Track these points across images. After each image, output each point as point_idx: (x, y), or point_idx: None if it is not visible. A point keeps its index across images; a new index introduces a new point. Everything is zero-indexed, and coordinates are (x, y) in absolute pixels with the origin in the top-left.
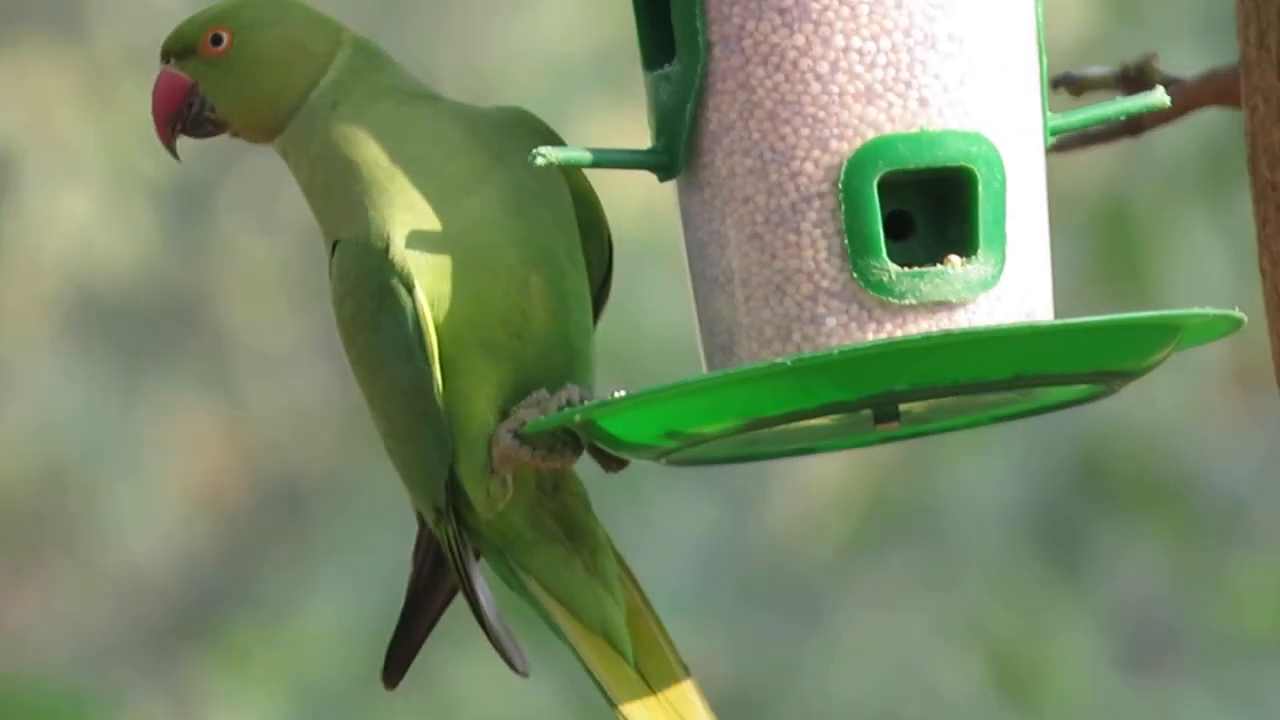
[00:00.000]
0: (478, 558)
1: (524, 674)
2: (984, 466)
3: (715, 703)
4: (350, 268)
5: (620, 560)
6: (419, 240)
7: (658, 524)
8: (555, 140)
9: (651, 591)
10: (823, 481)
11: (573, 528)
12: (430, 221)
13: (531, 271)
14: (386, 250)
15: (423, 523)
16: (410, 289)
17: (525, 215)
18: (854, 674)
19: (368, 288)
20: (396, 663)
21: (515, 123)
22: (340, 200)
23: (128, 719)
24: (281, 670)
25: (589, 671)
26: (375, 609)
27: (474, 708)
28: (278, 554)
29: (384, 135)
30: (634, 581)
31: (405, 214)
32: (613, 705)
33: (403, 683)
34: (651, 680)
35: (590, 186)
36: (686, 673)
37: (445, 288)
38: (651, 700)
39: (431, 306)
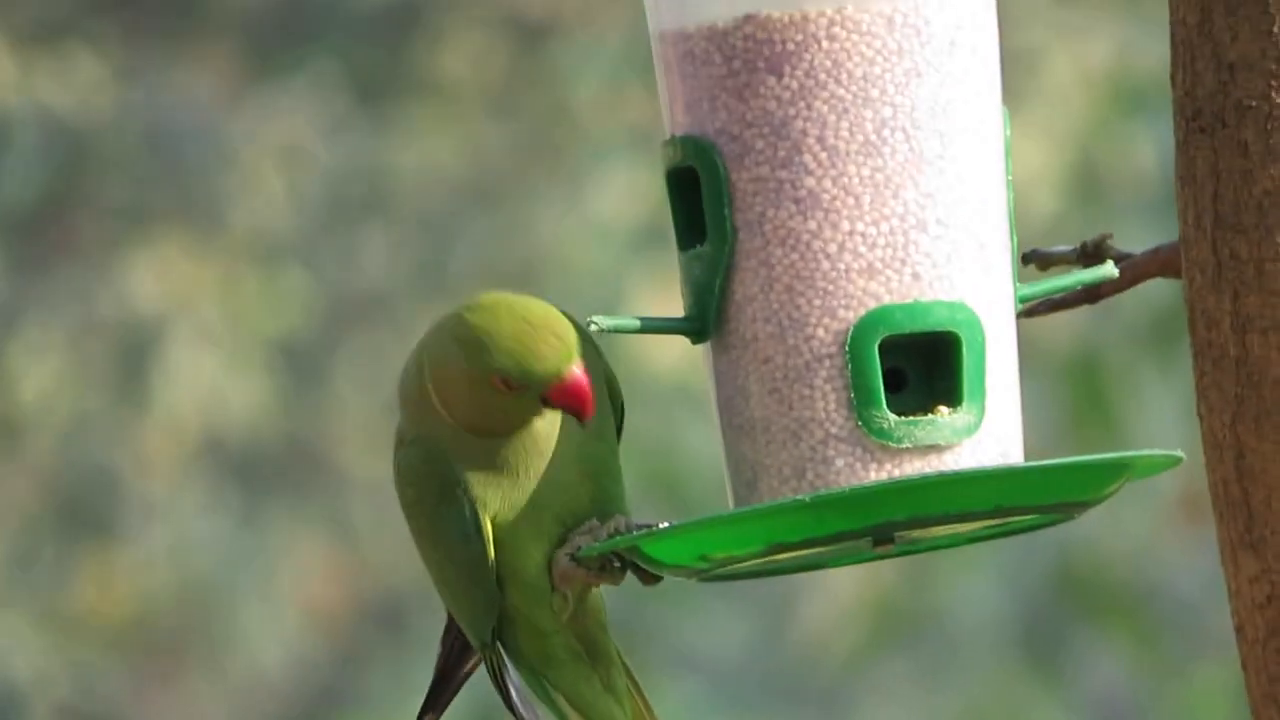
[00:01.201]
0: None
1: None
2: (976, 581)
3: None
4: (416, 464)
5: (629, 673)
6: (485, 466)
7: (700, 632)
8: (589, 335)
9: (689, 692)
10: (838, 595)
11: (593, 648)
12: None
13: (585, 479)
14: (455, 467)
15: (448, 628)
16: (471, 497)
17: (582, 442)
18: None
19: (428, 484)
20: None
21: (582, 335)
22: (419, 416)
23: None
24: None
25: None
26: (463, 706)
27: None
28: (381, 660)
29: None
30: (640, 692)
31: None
32: None
33: None
34: None
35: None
36: None
37: (506, 494)
38: None
39: (489, 506)
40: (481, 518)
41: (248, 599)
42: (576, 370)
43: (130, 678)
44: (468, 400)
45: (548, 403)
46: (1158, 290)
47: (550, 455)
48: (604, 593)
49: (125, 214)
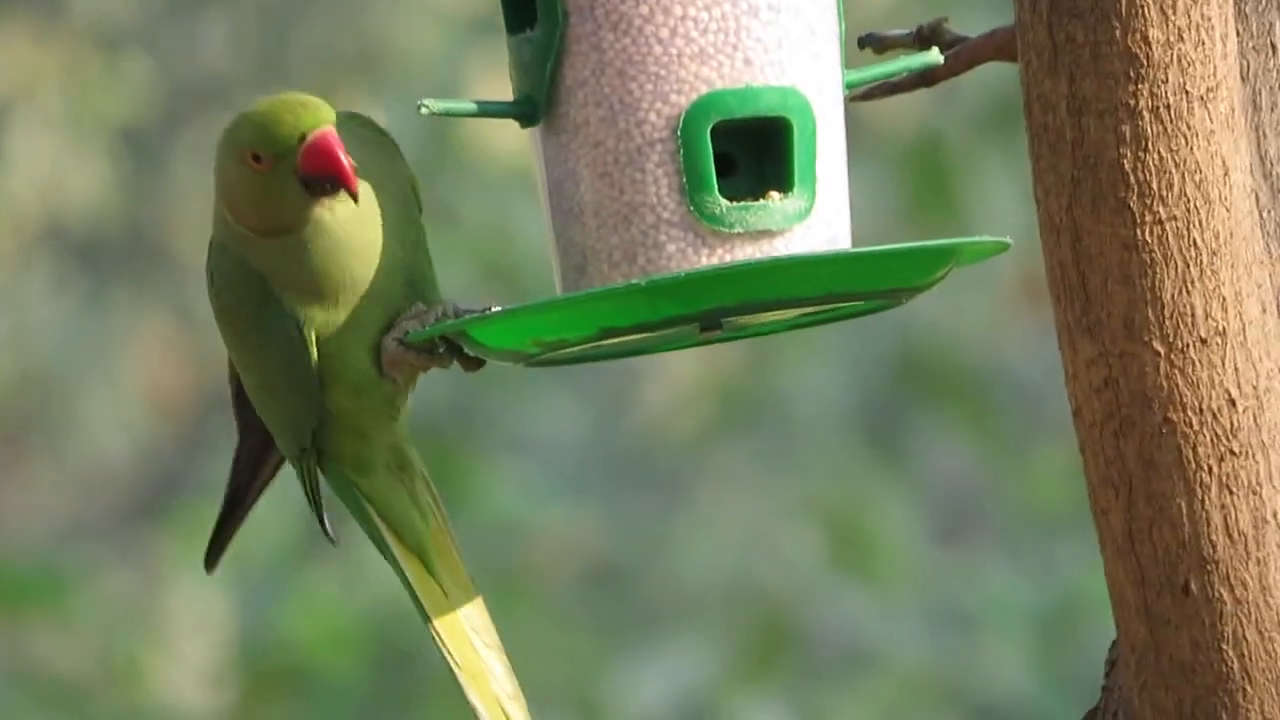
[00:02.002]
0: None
1: (334, 542)
2: (817, 365)
3: (590, 572)
4: (231, 269)
5: (430, 488)
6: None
7: (541, 417)
8: (386, 138)
9: (533, 479)
10: (678, 379)
11: (402, 461)
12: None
13: (405, 288)
14: (271, 270)
15: (241, 442)
16: (291, 299)
17: (401, 237)
18: (710, 545)
19: (247, 288)
20: (216, 552)
21: (370, 134)
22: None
23: (99, 589)
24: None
25: (404, 581)
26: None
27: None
28: (224, 446)
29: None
30: (440, 507)
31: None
32: (420, 608)
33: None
34: (448, 588)
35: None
36: (472, 582)
37: (325, 303)
38: (448, 605)
39: (310, 315)
40: (303, 320)
41: (90, 386)
42: (320, 132)
43: None
44: (239, 193)
45: (306, 181)
46: (996, 74)
47: (364, 262)
48: (437, 381)
49: None
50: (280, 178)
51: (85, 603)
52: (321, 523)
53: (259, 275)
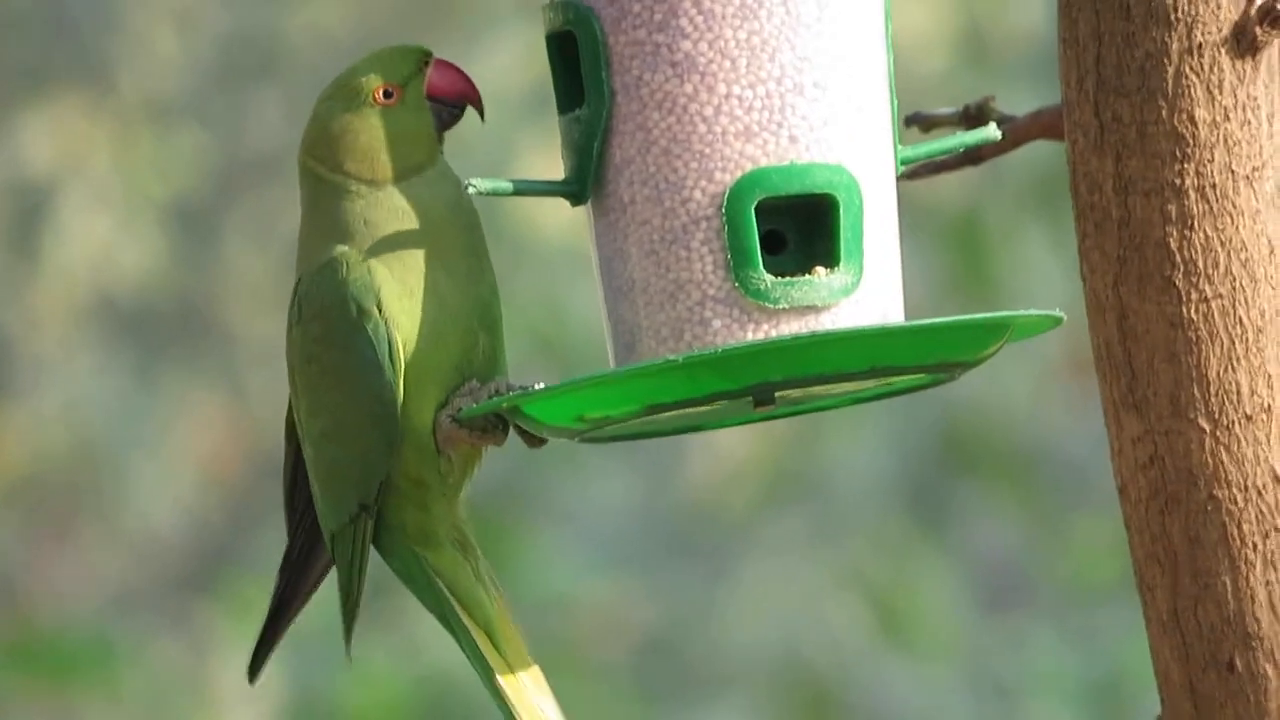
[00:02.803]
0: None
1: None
2: (863, 440)
3: (638, 643)
4: (327, 293)
5: (489, 567)
6: (399, 288)
7: (591, 492)
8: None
9: (586, 550)
10: (730, 452)
11: (464, 539)
12: (413, 281)
13: (481, 331)
14: (370, 284)
15: (290, 544)
16: (386, 320)
17: (480, 283)
18: (756, 617)
19: (342, 311)
20: (260, 660)
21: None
22: (324, 239)
23: (149, 659)
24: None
25: (473, 655)
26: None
27: (436, 647)
28: (273, 519)
29: (399, 212)
30: (498, 588)
31: (392, 265)
32: (490, 682)
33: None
34: (512, 662)
35: None
36: (532, 659)
37: (414, 330)
38: (516, 679)
39: (400, 326)
40: (394, 336)
41: (140, 457)
42: (439, 58)
43: (24, 536)
44: (367, 139)
45: (431, 98)
46: (1041, 153)
47: (453, 290)
48: (490, 456)
49: (20, 74)
50: (411, 108)
51: (135, 673)
52: (355, 609)
53: (354, 286)
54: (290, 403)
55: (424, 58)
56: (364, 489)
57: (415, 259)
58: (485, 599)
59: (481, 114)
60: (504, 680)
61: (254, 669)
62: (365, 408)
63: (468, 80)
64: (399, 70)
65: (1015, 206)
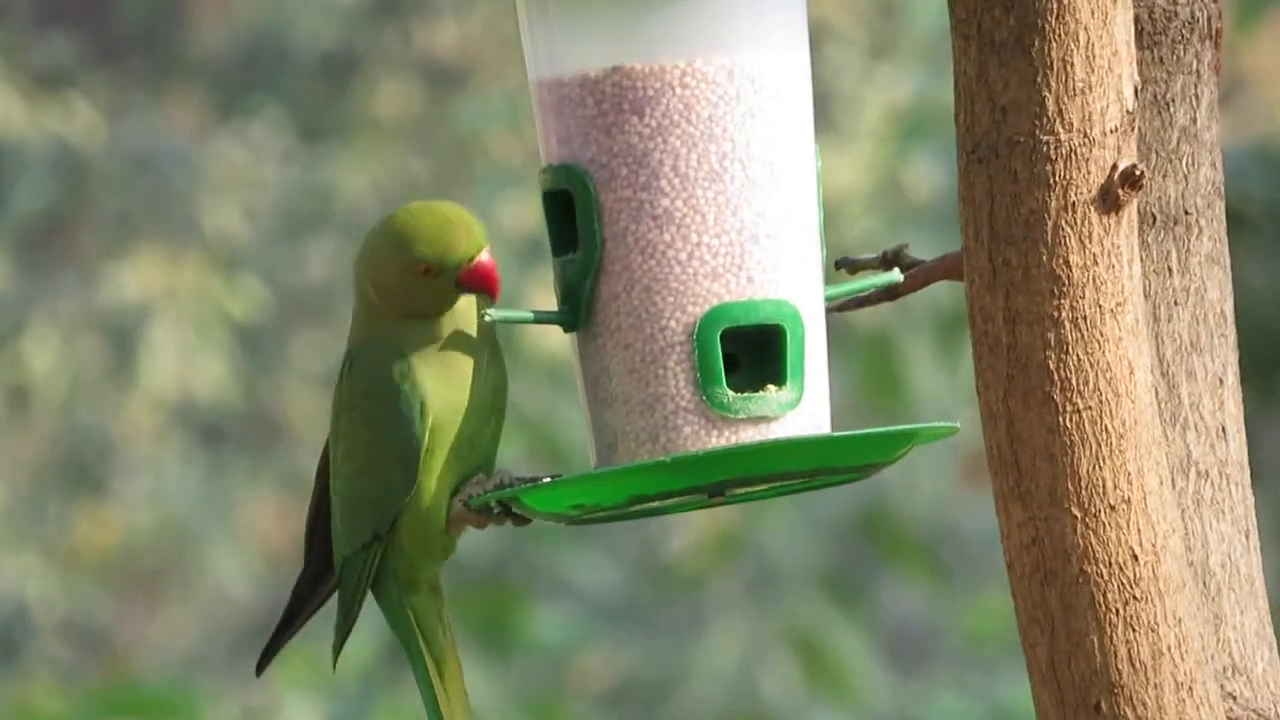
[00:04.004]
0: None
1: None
2: (797, 523)
3: (618, 686)
4: (372, 360)
5: (448, 613)
6: (431, 370)
7: (578, 567)
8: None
9: (572, 614)
10: (690, 533)
11: (434, 585)
12: (442, 366)
13: (492, 414)
14: (409, 361)
15: (305, 570)
16: (418, 386)
17: (495, 381)
18: (712, 663)
19: (386, 374)
20: (267, 658)
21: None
22: (371, 324)
23: (222, 708)
24: (322, 665)
25: (425, 686)
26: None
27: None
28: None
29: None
30: (451, 628)
31: (428, 350)
32: (435, 711)
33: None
34: (448, 684)
35: None
36: (464, 689)
37: (441, 401)
38: (449, 698)
39: (429, 407)
40: (425, 399)
41: (215, 537)
42: (484, 256)
43: (118, 602)
44: (398, 288)
45: (460, 284)
46: (945, 290)
47: (473, 379)
48: (492, 536)
49: (115, 226)
50: (442, 283)
51: (211, 716)
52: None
53: (397, 361)
54: (326, 446)
55: (476, 250)
56: (380, 520)
57: (446, 352)
58: (441, 636)
59: (494, 298)
60: (441, 701)
61: (260, 666)
62: (395, 451)
63: (495, 282)
64: (450, 258)
65: (920, 334)
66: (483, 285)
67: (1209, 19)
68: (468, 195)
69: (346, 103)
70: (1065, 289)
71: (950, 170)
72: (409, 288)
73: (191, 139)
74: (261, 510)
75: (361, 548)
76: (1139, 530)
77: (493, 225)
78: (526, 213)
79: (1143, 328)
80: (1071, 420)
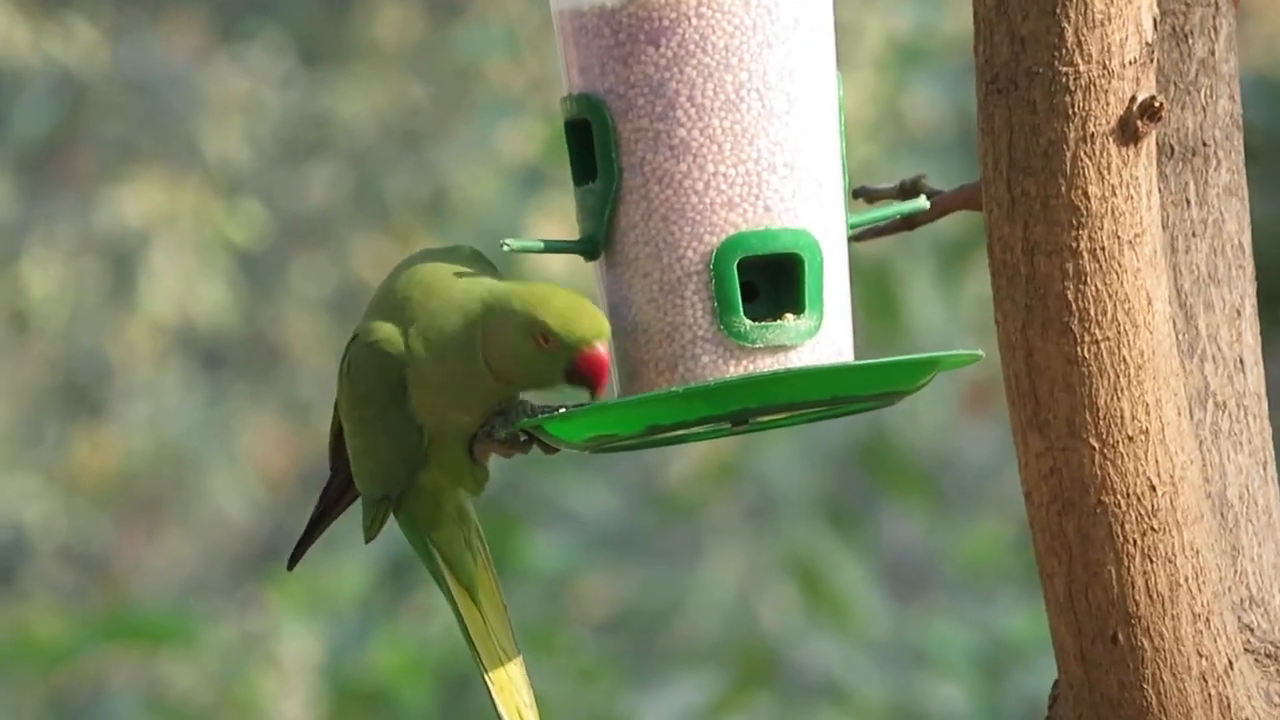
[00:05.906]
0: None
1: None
2: (796, 451)
3: (616, 613)
4: (370, 363)
5: (480, 533)
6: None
7: (576, 494)
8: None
9: (570, 541)
10: (689, 462)
11: (462, 514)
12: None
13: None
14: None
15: (332, 476)
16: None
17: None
18: (710, 591)
19: (381, 386)
20: (298, 555)
21: (485, 265)
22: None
23: (220, 630)
24: (320, 591)
25: (456, 613)
26: (383, 553)
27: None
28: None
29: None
30: (485, 547)
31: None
32: (464, 630)
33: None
34: (486, 614)
35: None
36: (505, 609)
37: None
38: (485, 628)
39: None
40: (424, 428)
41: (213, 463)
42: (601, 348)
43: (117, 525)
44: (510, 351)
45: (572, 371)
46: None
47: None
48: (495, 465)
49: (115, 150)
50: (554, 359)
51: (209, 640)
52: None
53: (396, 382)
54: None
55: (595, 338)
56: (389, 487)
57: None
58: (470, 563)
59: (595, 397)
60: (474, 630)
61: (292, 562)
62: (391, 452)
63: (605, 377)
64: (570, 334)
65: (938, 263)
66: (592, 372)
67: None
68: (468, 122)
69: (347, 27)
70: (1084, 220)
71: (951, 99)
72: (520, 352)
73: (192, 62)
74: (261, 435)
75: (375, 501)
76: (1157, 461)
77: (492, 154)
78: (526, 141)
79: (1160, 259)
80: (1090, 351)
